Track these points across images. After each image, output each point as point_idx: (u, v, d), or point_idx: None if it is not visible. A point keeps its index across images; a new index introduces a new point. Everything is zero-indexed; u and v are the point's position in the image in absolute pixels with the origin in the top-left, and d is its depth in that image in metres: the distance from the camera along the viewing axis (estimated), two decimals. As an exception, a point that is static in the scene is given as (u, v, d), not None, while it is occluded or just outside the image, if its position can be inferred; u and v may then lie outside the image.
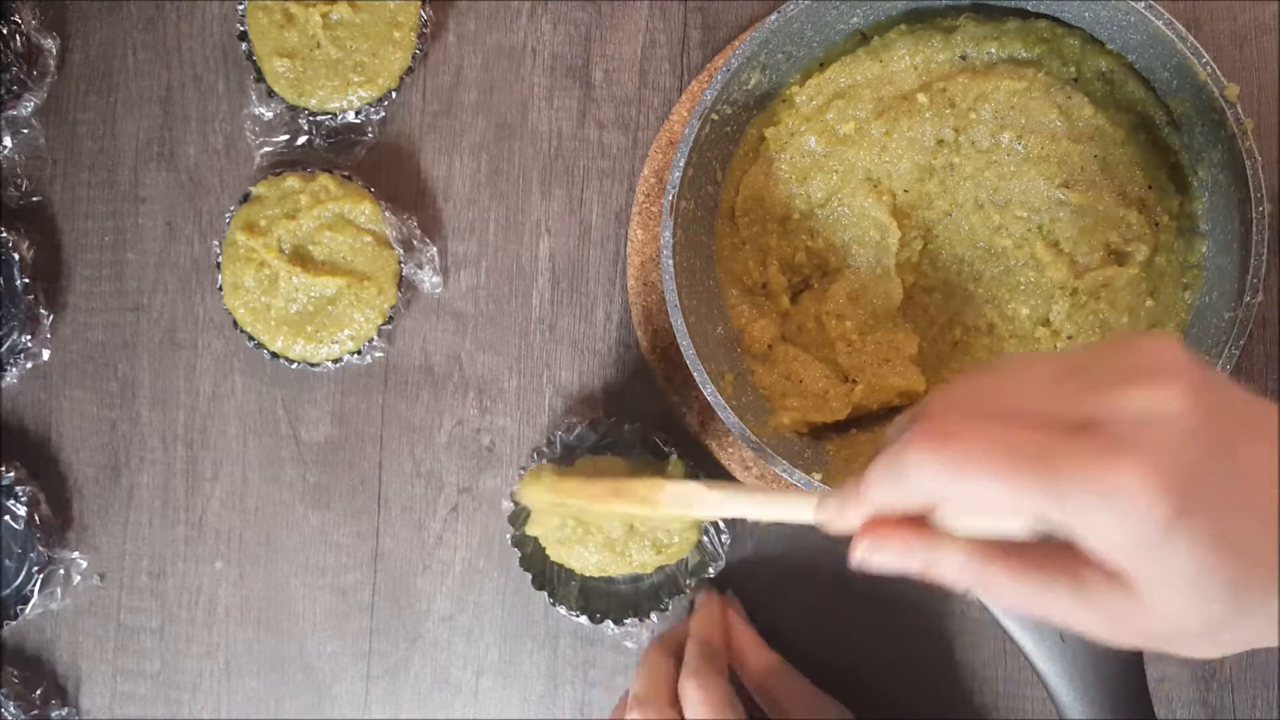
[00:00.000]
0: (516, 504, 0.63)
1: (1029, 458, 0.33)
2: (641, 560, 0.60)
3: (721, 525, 0.61)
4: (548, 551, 0.61)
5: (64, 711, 0.68)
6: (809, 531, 0.64)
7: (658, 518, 0.59)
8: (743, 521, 0.65)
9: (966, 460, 0.34)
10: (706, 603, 0.62)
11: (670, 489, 0.47)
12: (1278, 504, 0.33)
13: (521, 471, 0.63)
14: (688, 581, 0.62)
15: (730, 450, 0.63)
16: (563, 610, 0.62)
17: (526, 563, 0.62)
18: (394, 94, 0.66)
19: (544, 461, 0.62)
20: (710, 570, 0.61)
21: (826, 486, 0.43)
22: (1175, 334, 0.37)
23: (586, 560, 0.60)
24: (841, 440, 0.60)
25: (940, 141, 0.59)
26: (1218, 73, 0.53)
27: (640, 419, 0.63)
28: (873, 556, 0.38)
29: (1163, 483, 0.32)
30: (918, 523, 0.37)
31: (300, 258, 0.64)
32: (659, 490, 0.48)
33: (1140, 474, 0.32)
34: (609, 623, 0.62)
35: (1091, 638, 0.36)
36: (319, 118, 0.66)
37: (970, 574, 0.36)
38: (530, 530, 0.61)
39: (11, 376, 0.68)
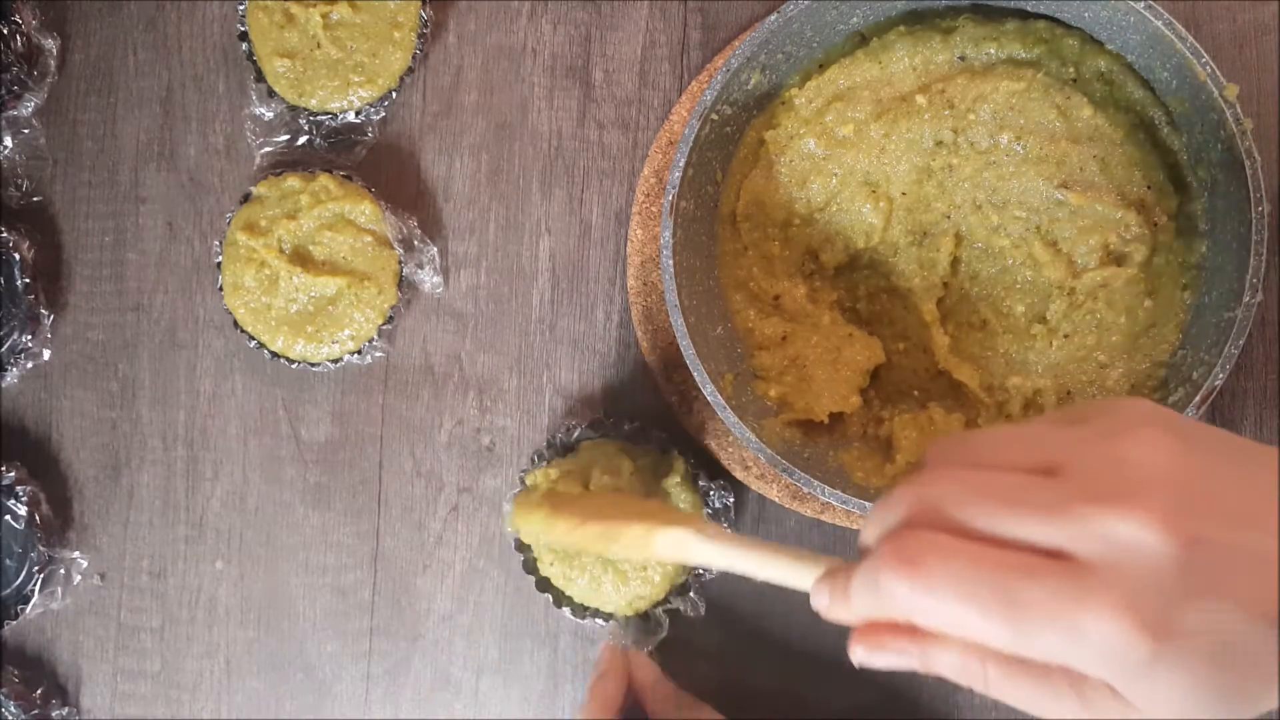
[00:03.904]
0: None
1: (995, 593, 0.33)
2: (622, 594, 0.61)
3: (722, 522, 0.61)
4: (543, 572, 0.62)
5: (64, 711, 0.68)
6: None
7: (648, 560, 0.58)
8: (741, 517, 0.65)
9: (934, 590, 0.34)
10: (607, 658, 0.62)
11: (663, 536, 0.45)
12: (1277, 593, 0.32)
13: (522, 473, 0.63)
14: (689, 580, 0.62)
15: (730, 450, 0.63)
16: (567, 612, 0.61)
17: (530, 566, 0.62)
18: (394, 94, 0.66)
19: (545, 465, 0.62)
20: (705, 574, 0.61)
21: (824, 560, 0.41)
22: (1155, 409, 0.37)
23: (577, 588, 0.61)
24: (844, 448, 0.60)
25: (939, 143, 0.59)
26: (1217, 73, 0.53)
27: (640, 419, 0.63)
28: (870, 660, 0.38)
29: (1138, 619, 0.31)
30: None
31: (300, 258, 0.64)
32: (652, 537, 0.45)
33: (1112, 614, 0.31)
34: (614, 622, 0.62)
35: None
36: (319, 118, 0.66)
37: (968, 674, 0.36)
38: (524, 539, 0.61)
39: (12, 376, 0.68)
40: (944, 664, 0.36)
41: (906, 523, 0.36)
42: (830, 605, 0.39)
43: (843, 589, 0.38)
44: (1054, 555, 0.33)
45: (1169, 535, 0.32)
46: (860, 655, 0.38)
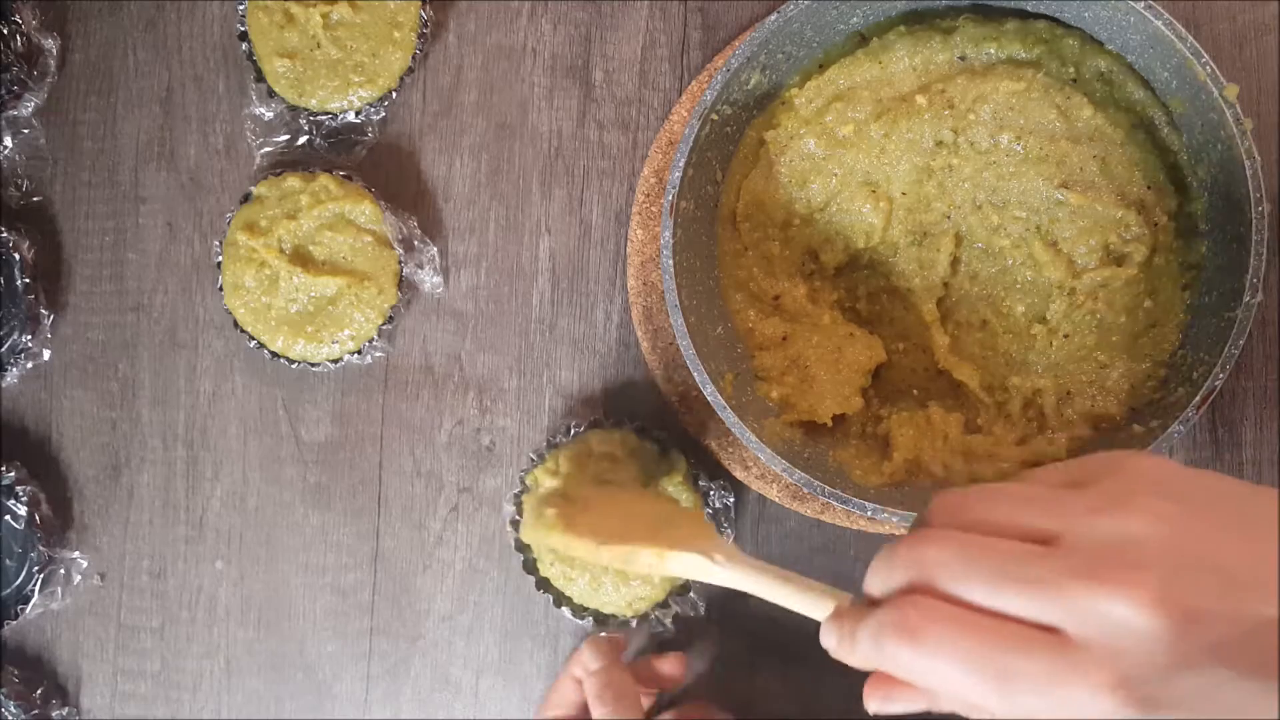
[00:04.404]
0: (518, 504, 0.63)
1: (990, 666, 0.34)
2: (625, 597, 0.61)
3: (723, 521, 0.61)
4: (543, 572, 0.62)
5: (64, 711, 0.68)
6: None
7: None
8: (741, 517, 0.65)
9: (933, 659, 0.35)
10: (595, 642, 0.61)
11: (675, 560, 0.47)
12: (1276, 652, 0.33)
13: (522, 474, 0.63)
14: (690, 580, 0.62)
15: (730, 450, 0.63)
16: (567, 613, 0.61)
17: (530, 566, 0.62)
18: (394, 94, 0.66)
19: (544, 462, 0.62)
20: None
21: (834, 594, 0.43)
22: (1159, 468, 0.37)
23: (577, 589, 0.61)
24: (844, 448, 0.60)
25: (939, 143, 0.59)
26: (1217, 73, 0.53)
27: (640, 419, 0.63)
28: (884, 709, 0.40)
29: (1127, 696, 0.32)
30: None
31: (301, 258, 0.64)
32: (664, 560, 0.47)
33: (1101, 692, 0.32)
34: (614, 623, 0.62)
35: None
36: (319, 118, 0.66)
37: (975, 714, 0.37)
38: (524, 537, 0.61)
39: (12, 376, 0.68)
40: (952, 706, 0.37)
41: (909, 587, 0.37)
42: (838, 648, 0.40)
43: (850, 636, 0.39)
44: (1049, 629, 0.34)
45: (1162, 614, 0.32)
46: (874, 707, 0.40)
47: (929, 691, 0.38)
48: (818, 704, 0.64)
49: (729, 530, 0.62)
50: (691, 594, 0.62)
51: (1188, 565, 0.33)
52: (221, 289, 0.65)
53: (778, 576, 0.44)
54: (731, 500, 0.61)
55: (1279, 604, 0.33)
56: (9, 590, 0.66)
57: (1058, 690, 0.33)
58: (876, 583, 0.39)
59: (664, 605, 0.62)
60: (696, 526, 0.51)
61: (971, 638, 0.34)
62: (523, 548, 0.62)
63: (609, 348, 0.66)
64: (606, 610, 0.61)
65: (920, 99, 0.59)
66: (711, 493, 0.61)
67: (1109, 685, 0.32)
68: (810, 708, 0.64)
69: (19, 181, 0.70)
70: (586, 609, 0.61)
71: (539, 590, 0.62)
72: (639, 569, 0.48)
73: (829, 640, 0.41)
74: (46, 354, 0.69)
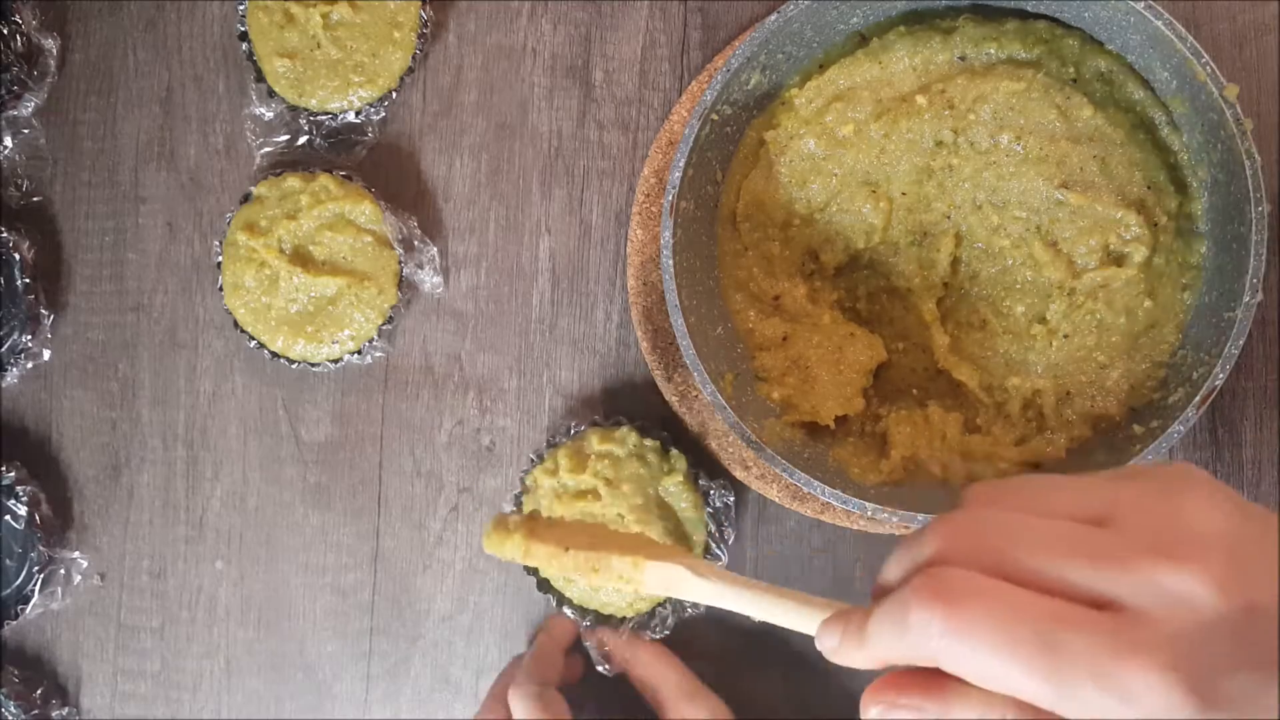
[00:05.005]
0: (518, 506, 0.63)
1: (1038, 643, 0.31)
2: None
3: (723, 521, 0.61)
4: (543, 573, 0.62)
5: (64, 711, 0.68)
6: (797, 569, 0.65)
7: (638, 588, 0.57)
8: (741, 517, 0.65)
9: (971, 635, 0.31)
10: (557, 619, 0.62)
11: (654, 569, 0.43)
12: None
13: (523, 474, 0.63)
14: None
15: (730, 450, 0.63)
16: (569, 613, 0.61)
17: (531, 567, 0.62)
18: (394, 94, 0.66)
19: (544, 462, 0.62)
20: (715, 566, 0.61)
21: (832, 605, 0.39)
22: (1205, 472, 0.34)
23: (580, 590, 0.61)
24: (844, 446, 0.60)
25: (939, 143, 0.59)
26: (1217, 73, 0.53)
27: (640, 419, 0.63)
28: (886, 717, 0.36)
29: (1186, 683, 0.30)
30: (930, 672, 0.34)
31: (301, 258, 0.64)
32: (640, 569, 0.44)
33: (1160, 674, 0.30)
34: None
35: None
36: (319, 118, 0.66)
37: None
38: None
39: (12, 376, 0.68)
40: (964, 716, 0.34)
41: (940, 559, 0.33)
42: (841, 646, 0.37)
43: (858, 628, 0.35)
44: (1101, 606, 0.31)
45: (1226, 595, 0.31)
46: (875, 714, 0.36)
47: (945, 695, 0.34)
48: (818, 704, 0.64)
49: (730, 529, 0.62)
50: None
51: (1245, 557, 0.32)
52: (221, 289, 0.65)
53: (766, 591, 0.41)
54: (732, 499, 0.61)
55: None
56: (9, 590, 0.66)
57: (1112, 669, 0.30)
58: (898, 567, 0.35)
59: (665, 605, 0.62)
60: (678, 550, 0.48)
61: (1020, 610, 0.31)
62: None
63: (609, 348, 0.66)
64: (607, 611, 0.61)
65: (920, 99, 0.59)
66: (712, 492, 0.61)
67: (1169, 666, 0.30)
68: (810, 708, 0.64)
69: (19, 181, 0.70)
70: (587, 610, 0.61)
71: (540, 592, 0.62)
72: (608, 580, 0.44)
73: (829, 639, 0.37)
74: (46, 354, 0.69)
